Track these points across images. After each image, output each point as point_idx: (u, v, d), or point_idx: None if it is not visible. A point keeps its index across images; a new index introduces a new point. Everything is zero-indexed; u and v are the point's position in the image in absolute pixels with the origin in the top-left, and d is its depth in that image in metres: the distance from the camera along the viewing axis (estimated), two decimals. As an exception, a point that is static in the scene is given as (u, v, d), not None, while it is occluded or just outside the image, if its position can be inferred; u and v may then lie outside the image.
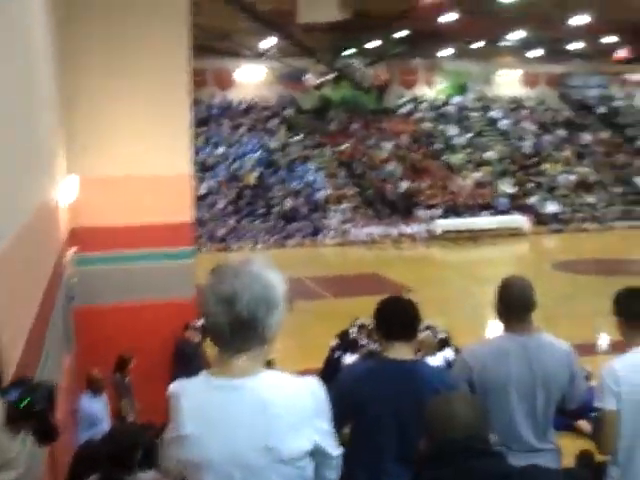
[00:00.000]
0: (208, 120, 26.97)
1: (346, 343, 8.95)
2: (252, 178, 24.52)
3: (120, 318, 8.17)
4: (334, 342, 9.13)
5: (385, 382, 3.12)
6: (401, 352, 3.18)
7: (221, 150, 25.77)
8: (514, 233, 22.48)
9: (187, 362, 8.39)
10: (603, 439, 3.39)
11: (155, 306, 8.37)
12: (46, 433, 2.26)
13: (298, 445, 1.94)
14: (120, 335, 7.98)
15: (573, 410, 3.64)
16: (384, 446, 3.09)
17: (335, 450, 2.06)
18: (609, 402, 3.29)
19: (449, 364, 7.33)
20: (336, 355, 8.82)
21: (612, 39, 25.38)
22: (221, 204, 23.05)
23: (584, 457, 3.82)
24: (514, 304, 3.49)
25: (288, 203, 23.43)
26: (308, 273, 17.30)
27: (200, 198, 21.83)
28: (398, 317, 3.23)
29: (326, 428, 2.03)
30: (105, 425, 6.89)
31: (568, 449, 3.91)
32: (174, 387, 2.04)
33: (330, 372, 8.75)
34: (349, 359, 8.46)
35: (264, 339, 2.01)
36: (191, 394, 2.00)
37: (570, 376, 3.46)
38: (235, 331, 1.95)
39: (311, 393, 2.00)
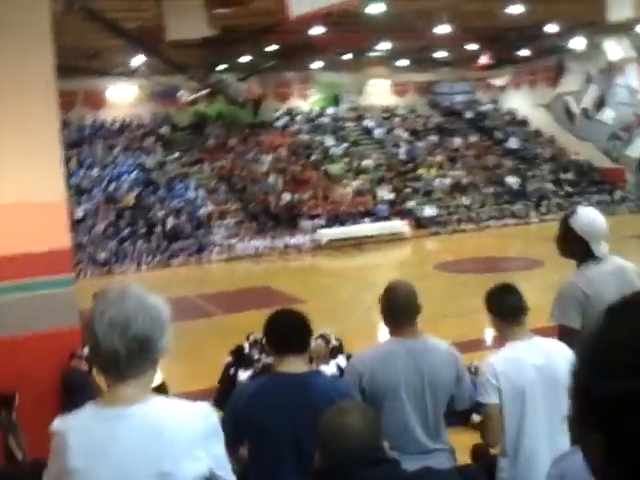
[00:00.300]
0: (80, 142, 26.17)
1: (240, 359, 8.87)
2: (130, 199, 23.94)
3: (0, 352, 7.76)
4: (228, 359, 9.03)
5: (279, 397, 3.12)
6: (294, 365, 3.19)
7: (96, 172, 25.03)
8: (395, 238, 23.03)
9: (77, 392, 8.07)
10: (489, 432, 3.53)
11: (37, 337, 7.99)
12: None
13: (193, 469, 1.91)
14: (1, 372, 7.58)
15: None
16: (282, 461, 3.08)
17: (230, 477, 2.04)
18: (491, 396, 3.42)
19: (342, 371, 7.41)
20: (231, 372, 8.73)
21: (474, 47, 26.56)
22: (100, 227, 22.37)
23: (478, 451, 3.94)
24: (399, 309, 3.58)
25: (170, 222, 23.04)
26: (196, 291, 17.08)
27: (77, 222, 21.17)
28: (288, 330, 3.25)
29: (220, 453, 2.01)
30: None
31: (466, 444, 4.03)
32: (57, 423, 1.98)
33: (227, 389, 8.66)
34: (244, 375, 8.40)
35: (155, 362, 1.99)
36: (77, 428, 1.94)
37: (456, 377, 3.57)
38: (131, 356, 1.92)
39: (204, 417, 1.99)
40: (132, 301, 1.96)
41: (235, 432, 2.93)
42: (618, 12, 17.65)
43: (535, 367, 3.38)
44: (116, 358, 1.91)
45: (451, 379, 3.55)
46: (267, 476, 3.08)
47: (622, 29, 23.73)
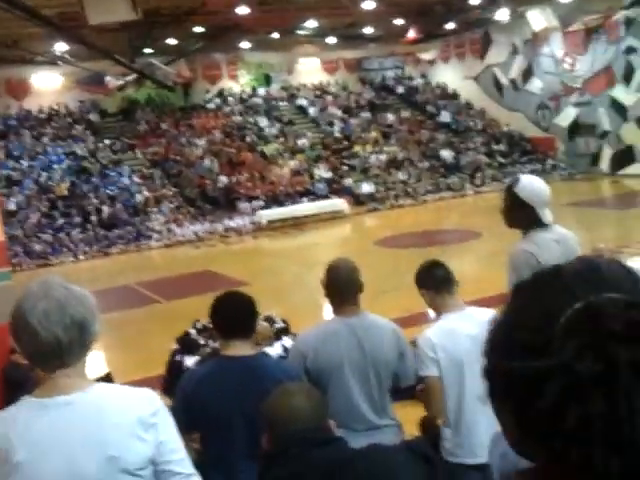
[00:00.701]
0: (6, 132, 25.43)
1: (187, 346, 8.82)
2: (63, 188, 23.38)
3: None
4: (174, 346, 8.97)
5: (227, 381, 3.12)
6: (241, 349, 3.20)
7: (25, 163, 24.37)
8: (334, 216, 23.14)
9: (18, 386, 7.89)
10: (431, 404, 3.60)
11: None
12: None
13: (140, 452, 1.92)
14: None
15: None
16: (233, 445, 3.09)
17: (183, 464, 2.05)
18: (430, 369, 3.49)
19: (288, 352, 7.45)
20: (177, 359, 8.68)
21: (401, 22, 26.69)
22: (34, 218, 21.81)
23: (425, 424, 4.03)
24: (341, 287, 3.62)
25: (105, 210, 22.62)
26: (137, 279, 16.84)
27: (10, 214, 20.63)
28: (234, 314, 3.24)
29: (167, 439, 2.01)
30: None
31: (415, 418, 4.11)
32: None
33: (174, 377, 8.60)
34: (190, 361, 8.35)
35: (89, 349, 2.01)
36: (17, 422, 1.92)
37: (399, 354, 3.62)
38: (72, 342, 1.93)
39: (147, 400, 2.00)
40: (59, 290, 1.96)
41: (186, 419, 2.92)
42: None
43: (470, 337, 3.41)
44: (59, 346, 1.91)
45: (394, 355, 3.59)
46: (220, 461, 3.08)
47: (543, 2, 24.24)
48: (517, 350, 0.86)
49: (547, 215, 3.85)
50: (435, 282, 3.69)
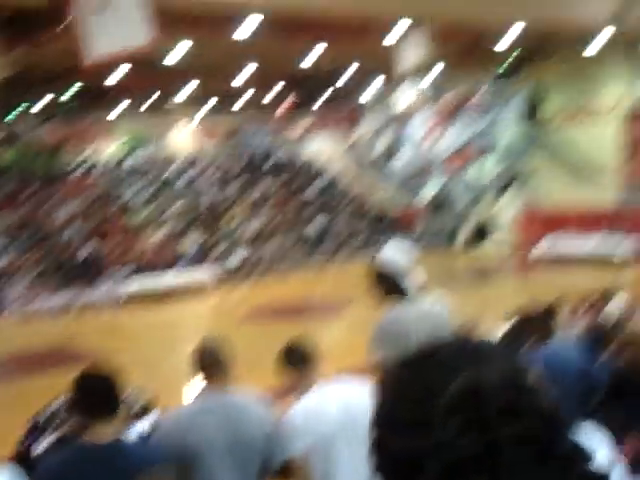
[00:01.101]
0: None
1: (36, 431, 8.27)
2: None
3: None
4: (24, 431, 8.39)
5: (85, 472, 2.98)
6: (101, 432, 3.07)
7: None
8: (201, 288, 22.88)
9: None
10: None
11: None
12: None
13: None
14: None
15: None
16: None
17: None
18: (295, 448, 3.48)
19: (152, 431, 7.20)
20: (25, 445, 8.10)
21: (274, 93, 27.33)
22: None
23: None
24: (208, 365, 3.59)
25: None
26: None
27: None
28: (96, 393, 3.11)
29: None
30: None
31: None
32: None
33: (22, 465, 8.01)
34: (40, 448, 7.82)
35: None
36: None
37: (267, 435, 3.59)
38: None
39: None
40: None
41: None
42: (407, 59, 18.92)
43: (336, 414, 3.47)
44: None
45: (261, 437, 3.57)
46: None
47: (410, 77, 25.54)
48: (400, 426, 0.87)
49: (408, 284, 3.96)
50: (297, 359, 3.71)
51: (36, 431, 8.32)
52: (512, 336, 6.02)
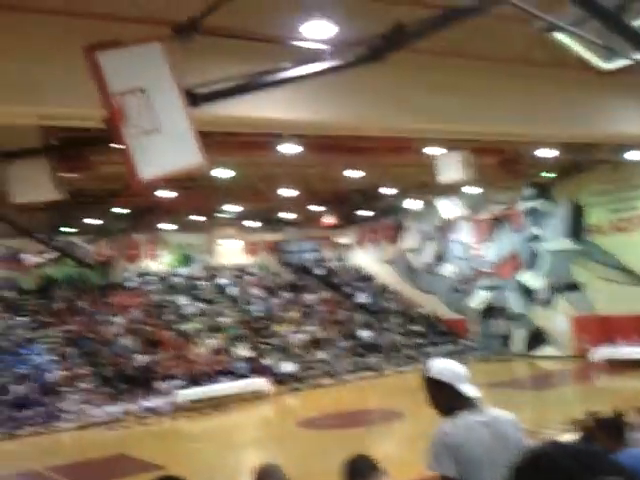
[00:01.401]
0: None
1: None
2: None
3: None
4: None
5: None
6: None
7: None
8: (255, 396, 22.75)
9: None
10: None
11: None
12: None
13: None
14: None
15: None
16: None
17: None
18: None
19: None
20: None
21: (318, 208, 28.01)
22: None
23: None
24: None
25: (16, 389, 21.55)
26: (48, 463, 15.81)
27: None
28: None
29: None
30: None
31: None
32: None
33: None
34: None
35: None
36: None
37: None
38: None
39: None
40: None
41: None
42: (447, 175, 19.32)
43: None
44: None
45: None
46: None
47: (452, 190, 25.99)
48: None
49: (470, 390, 3.86)
50: (362, 473, 3.72)
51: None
52: (584, 443, 5.87)
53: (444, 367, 3.87)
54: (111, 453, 16.45)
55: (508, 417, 3.92)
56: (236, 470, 14.40)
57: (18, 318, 25.65)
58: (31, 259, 27.11)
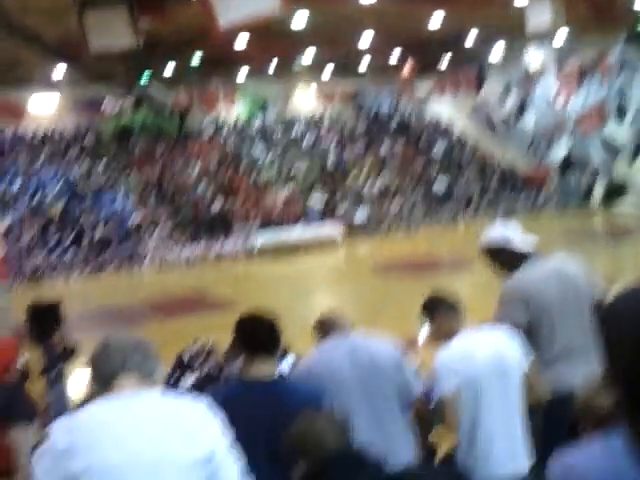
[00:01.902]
0: (2, 153, 25.44)
1: (181, 368, 8.69)
2: (57, 209, 23.38)
3: None
4: (168, 369, 8.83)
5: (249, 406, 3.04)
6: (262, 369, 3.15)
7: (19, 183, 24.36)
8: (328, 243, 23.17)
9: (7, 401, 7.83)
10: (447, 422, 3.59)
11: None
12: None
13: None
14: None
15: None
16: (261, 470, 2.80)
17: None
18: (447, 387, 3.48)
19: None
20: (171, 382, 8.53)
21: (397, 55, 27.03)
22: (27, 238, 21.75)
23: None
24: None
25: (99, 232, 22.59)
26: (130, 300, 16.74)
27: (4, 234, 20.58)
28: (259, 332, 3.20)
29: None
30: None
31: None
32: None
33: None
34: (185, 385, 8.22)
35: None
36: None
37: (398, 367, 3.63)
38: None
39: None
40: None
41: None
42: (536, 22, 18.23)
43: (486, 357, 3.46)
44: None
45: (393, 370, 3.60)
46: None
47: (540, 38, 24.59)
48: None
49: (524, 245, 3.99)
50: (448, 307, 3.73)
51: (180, 368, 8.77)
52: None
53: (493, 233, 4.05)
54: (189, 292, 17.22)
55: (573, 266, 4.04)
56: (308, 312, 14.90)
57: (98, 164, 26.38)
58: (110, 106, 27.45)
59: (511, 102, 30.75)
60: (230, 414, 2.71)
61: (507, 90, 30.84)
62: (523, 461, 3.46)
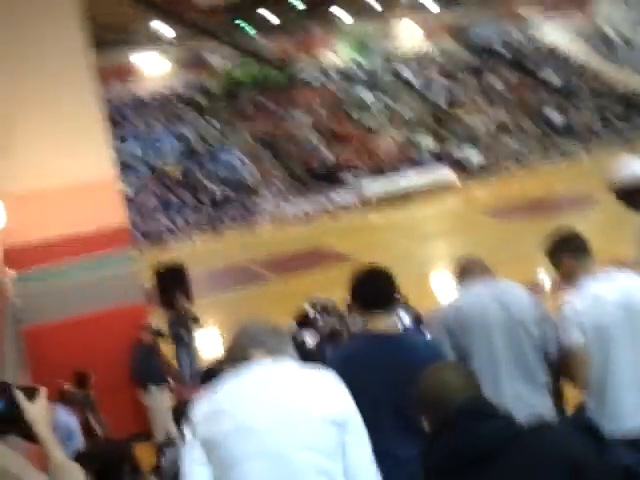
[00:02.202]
0: (118, 117, 26.24)
1: (304, 324, 8.80)
2: (176, 171, 24.07)
3: (72, 333, 7.88)
4: (292, 324, 8.98)
5: (375, 358, 3.04)
6: (383, 323, 3.11)
7: (138, 147, 25.17)
8: (442, 187, 22.75)
9: (143, 364, 8.23)
10: (577, 374, 3.43)
11: (106, 315, 8.11)
12: (30, 434, 2.10)
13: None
14: (75, 350, 7.72)
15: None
16: (386, 423, 2.98)
17: None
18: (576, 337, 3.32)
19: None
20: (297, 336, 8.66)
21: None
22: (150, 202, 22.56)
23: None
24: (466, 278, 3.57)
25: (217, 190, 23.13)
26: (250, 257, 17.10)
27: (127, 199, 21.35)
28: (375, 286, 3.14)
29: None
30: (78, 439, 6.64)
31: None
32: None
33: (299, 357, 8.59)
34: (311, 340, 8.34)
35: None
36: None
37: (541, 317, 3.49)
38: None
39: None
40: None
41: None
42: None
43: (615, 303, 3.24)
44: None
45: (531, 319, 3.47)
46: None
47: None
48: None
49: None
50: (575, 248, 3.51)
51: (302, 325, 8.91)
52: None
53: (627, 173, 3.80)
54: (306, 246, 17.40)
55: None
56: (426, 259, 14.80)
57: (211, 122, 26.84)
58: (216, 61, 27.68)
59: (628, 18, 28.70)
60: (355, 368, 2.92)
61: (622, 5, 28.76)
62: None
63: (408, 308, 8.53)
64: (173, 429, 7.98)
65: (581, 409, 3.51)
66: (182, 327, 9.66)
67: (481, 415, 2.01)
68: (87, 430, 7.44)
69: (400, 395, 2.86)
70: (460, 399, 2.02)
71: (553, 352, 3.49)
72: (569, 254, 3.50)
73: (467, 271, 3.62)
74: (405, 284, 11.26)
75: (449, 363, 2.35)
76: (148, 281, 10.92)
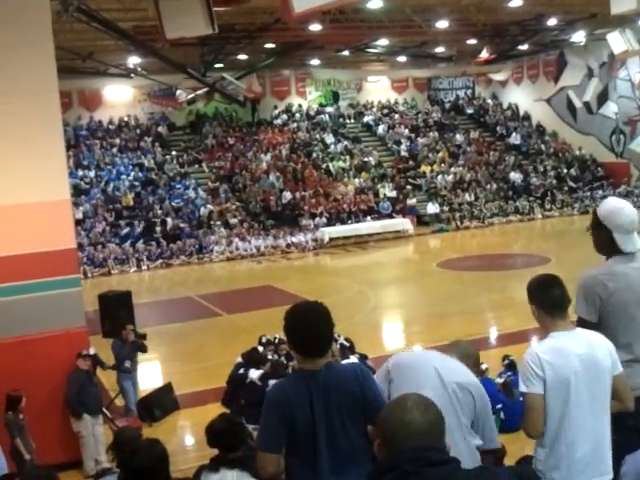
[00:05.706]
0: (77, 142, 25.95)
1: (252, 360, 8.70)
2: (129, 199, 23.77)
3: (7, 354, 7.62)
4: (239, 359, 8.88)
5: (312, 393, 3.00)
6: (318, 364, 3.03)
7: (94, 172, 24.86)
8: (398, 236, 22.88)
9: (78, 391, 7.97)
10: (531, 423, 3.38)
11: (44, 339, 7.84)
12: None
13: None
14: (8, 372, 7.45)
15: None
16: (322, 456, 2.99)
17: None
18: (535, 386, 3.28)
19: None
20: (241, 372, 8.57)
21: (474, 42, 26.31)
22: (99, 227, 22.17)
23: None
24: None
25: (169, 222, 22.87)
26: (199, 291, 16.88)
27: (77, 223, 21.00)
28: (313, 332, 3.03)
29: None
30: (2, 463, 6.34)
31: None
32: None
33: (236, 389, 8.55)
34: (254, 375, 8.25)
35: None
36: None
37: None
38: None
39: None
40: None
41: (279, 431, 2.99)
42: (621, 4, 17.42)
43: (579, 357, 3.26)
44: None
45: None
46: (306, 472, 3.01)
47: (624, 22, 23.52)
48: None
49: (630, 243, 3.65)
50: (550, 302, 3.46)
51: (249, 361, 8.77)
52: None
53: (610, 211, 3.69)
54: (258, 284, 17.24)
55: None
56: (376, 304, 14.75)
57: (171, 154, 26.70)
58: (183, 95, 27.70)
59: (591, 89, 29.58)
60: (290, 410, 2.98)
61: (588, 77, 29.68)
62: (607, 469, 3.28)
63: (362, 357, 8.52)
64: (103, 458, 7.79)
65: (527, 460, 3.47)
66: (126, 355, 9.39)
67: (429, 461, 1.97)
68: (14, 454, 7.20)
69: (332, 428, 2.96)
70: (415, 443, 1.98)
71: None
72: (542, 306, 3.46)
73: (450, 350, 3.60)
74: (354, 329, 11.21)
75: (420, 401, 2.24)
76: (90, 306, 10.67)
